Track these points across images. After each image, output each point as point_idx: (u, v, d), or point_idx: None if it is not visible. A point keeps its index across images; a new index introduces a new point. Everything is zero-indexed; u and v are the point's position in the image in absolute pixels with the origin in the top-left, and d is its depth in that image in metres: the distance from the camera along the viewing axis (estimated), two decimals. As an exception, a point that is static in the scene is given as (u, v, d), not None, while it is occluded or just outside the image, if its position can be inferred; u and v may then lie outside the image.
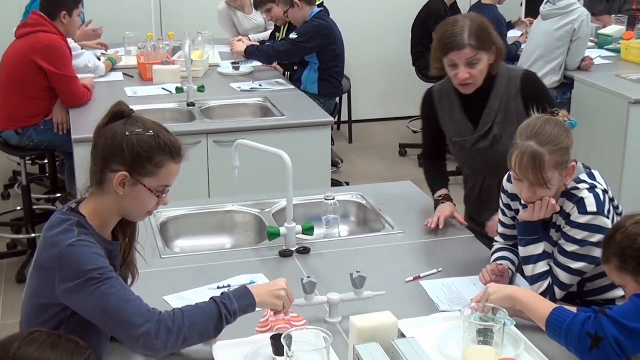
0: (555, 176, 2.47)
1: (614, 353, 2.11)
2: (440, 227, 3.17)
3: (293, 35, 5.69)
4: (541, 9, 5.99)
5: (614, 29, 6.81)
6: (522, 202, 2.64)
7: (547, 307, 2.30)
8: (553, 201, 2.52)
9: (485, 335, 2.25)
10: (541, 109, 2.62)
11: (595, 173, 2.61)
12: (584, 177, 2.57)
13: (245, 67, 5.94)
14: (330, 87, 5.93)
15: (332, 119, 4.94)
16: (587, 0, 7.27)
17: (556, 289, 2.58)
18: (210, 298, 2.21)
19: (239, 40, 6.12)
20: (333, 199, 3.27)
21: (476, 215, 3.34)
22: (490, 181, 3.29)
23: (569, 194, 2.54)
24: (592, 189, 2.52)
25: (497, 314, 2.29)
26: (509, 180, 2.76)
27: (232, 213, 3.45)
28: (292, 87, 5.59)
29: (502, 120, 3.16)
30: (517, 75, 3.18)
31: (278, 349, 2.25)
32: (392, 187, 3.62)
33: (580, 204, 2.50)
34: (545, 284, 2.59)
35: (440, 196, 3.32)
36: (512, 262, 2.81)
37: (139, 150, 2.14)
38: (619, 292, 2.64)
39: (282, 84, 5.60)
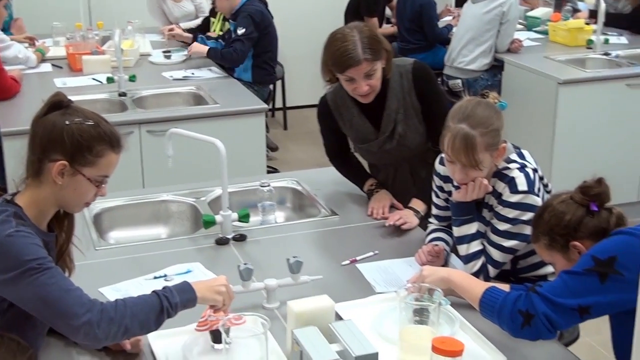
0: (486, 157, 2.51)
1: (545, 329, 2.15)
2: (386, 214, 3.16)
3: (241, 31, 5.65)
4: (470, -8, 6.06)
5: (541, 11, 6.93)
6: (455, 183, 2.67)
7: (479, 287, 2.33)
8: (485, 181, 2.56)
9: (421, 315, 2.27)
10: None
11: (525, 152, 2.66)
12: (514, 156, 2.62)
13: (177, 56, 5.89)
14: (264, 74, 5.93)
15: (266, 105, 4.94)
16: (516, -18, 7.37)
17: (490, 267, 2.62)
18: (152, 291, 2.20)
19: (170, 30, 6.07)
20: (268, 185, 3.27)
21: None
22: (403, 170, 3.31)
23: (500, 174, 2.59)
24: (522, 168, 2.57)
25: (432, 294, 2.32)
26: (441, 162, 2.80)
27: (167, 203, 3.42)
28: (225, 74, 5.56)
29: (403, 117, 3.14)
30: (407, 70, 3.14)
31: (216, 336, 2.26)
32: (326, 172, 3.62)
33: (512, 183, 2.54)
34: (479, 263, 2.63)
35: (372, 185, 3.32)
36: (447, 242, 2.85)
37: (79, 139, 2.12)
38: (551, 268, 2.70)
39: (214, 72, 5.57)
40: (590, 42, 6.14)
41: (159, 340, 2.32)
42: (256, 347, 2.14)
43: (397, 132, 3.15)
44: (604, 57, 5.98)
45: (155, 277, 2.74)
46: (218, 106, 4.76)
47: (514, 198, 2.54)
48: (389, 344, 2.28)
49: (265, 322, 2.13)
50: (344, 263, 2.84)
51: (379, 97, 3.09)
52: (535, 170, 2.59)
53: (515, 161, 2.59)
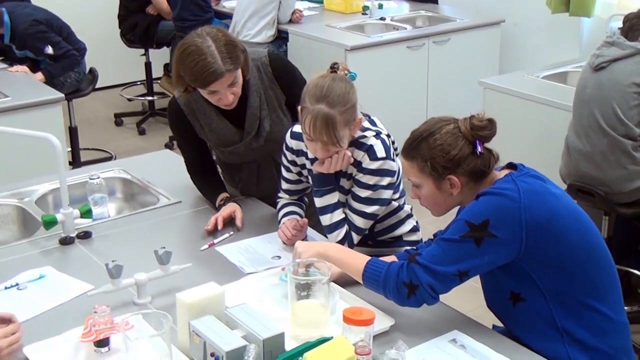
0: (346, 133, 2.53)
1: (430, 296, 2.23)
2: (219, 228, 2.92)
3: (49, 50, 5.46)
4: (249, -35, 6.05)
5: (313, -20, 7.06)
6: (310, 155, 2.69)
7: (360, 260, 2.35)
8: (349, 153, 2.59)
9: (308, 290, 2.28)
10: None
11: (375, 119, 2.73)
12: (366, 124, 2.67)
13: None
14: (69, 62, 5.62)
15: (62, 95, 4.68)
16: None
17: (353, 234, 2.67)
18: None
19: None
20: (98, 177, 3.13)
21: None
22: (267, 165, 3.15)
23: (357, 143, 2.63)
24: (378, 135, 2.63)
25: (309, 269, 2.34)
26: (292, 136, 2.80)
27: (-13, 207, 3.19)
28: (5, 65, 5.21)
29: (266, 113, 2.99)
30: (264, 63, 2.99)
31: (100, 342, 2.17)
32: (152, 157, 3.52)
33: (370, 151, 2.60)
34: (342, 231, 2.66)
35: (221, 200, 3.07)
36: (301, 215, 2.87)
37: None
38: (405, 228, 2.81)
39: (-8, 64, 5.22)
40: (365, 8, 6.36)
41: (36, 353, 2.18)
42: (148, 346, 2.07)
43: (263, 129, 3.00)
44: (381, 22, 6.22)
45: (7, 288, 2.55)
46: (9, 99, 4.47)
47: (374, 165, 2.59)
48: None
49: (166, 319, 2.05)
50: (202, 248, 2.79)
51: (240, 97, 2.92)
52: (388, 136, 2.66)
53: (369, 129, 2.65)
